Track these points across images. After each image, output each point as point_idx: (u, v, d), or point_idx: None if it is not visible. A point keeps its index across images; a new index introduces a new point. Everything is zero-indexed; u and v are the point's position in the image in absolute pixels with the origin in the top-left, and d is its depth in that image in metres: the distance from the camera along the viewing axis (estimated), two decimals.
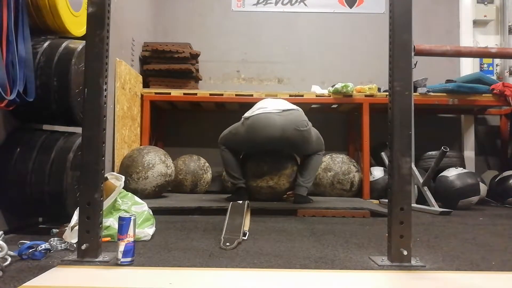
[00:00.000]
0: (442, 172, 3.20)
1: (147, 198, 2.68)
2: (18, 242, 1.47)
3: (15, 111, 1.75)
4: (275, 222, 2.28)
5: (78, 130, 1.70)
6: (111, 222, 1.71)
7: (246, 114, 2.74)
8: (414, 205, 2.96)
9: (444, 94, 3.59)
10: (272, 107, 2.68)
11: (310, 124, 2.71)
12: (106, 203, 1.68)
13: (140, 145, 3.52)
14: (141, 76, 3.69)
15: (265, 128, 2.60)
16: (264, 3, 4.41)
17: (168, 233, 1.92)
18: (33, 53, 1.78)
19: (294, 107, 2.74)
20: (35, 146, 1.82)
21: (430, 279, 1.25)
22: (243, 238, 1.75)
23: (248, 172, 2.85)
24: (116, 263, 1.34)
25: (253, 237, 1.83)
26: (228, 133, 2.86)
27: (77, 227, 1.42)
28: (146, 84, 3.76)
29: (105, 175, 1.64)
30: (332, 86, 3.61)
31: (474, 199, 3.07)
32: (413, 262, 1.38)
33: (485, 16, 4.34)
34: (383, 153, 3.65)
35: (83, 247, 1.37)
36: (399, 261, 1.37)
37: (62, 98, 1.83)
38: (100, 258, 1.38)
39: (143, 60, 3.79)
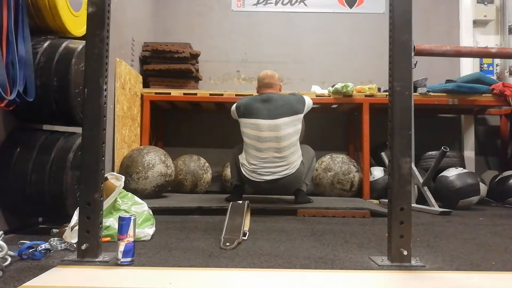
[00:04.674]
0: (442, 172, 3.20)
1: (147, 198, 2.69)
2: (18, 242, 1.47)
3: (15, 111, 1.75)
4: (275, 222, 2.28)
5: (78, 130, 1.70)
6: (111, 222, 1.71)
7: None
8: (414, 205, 2.96)
9: (444, 94, 3.58)
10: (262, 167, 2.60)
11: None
12: (106, 203, 1.68)
13: (140, 145, 3.52)
14: (141, 76, 3.69)
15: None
16: (264, 3, 4.41)
17: (168, 233, 1.92)
18: (33, 53, 1.78)
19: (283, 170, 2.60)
20: (35, 146, 1.82)
21: (430, 279, 1.25)
22: (243, 238, 1.75)
23: None
24: (116, 263, 1.34)
25: (253, 237, 1.83)
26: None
27: (77, 227, 1.42)
28: (146, 84, 3.76)
29: (105, 175, 1.64)
30: (332, 86, 3.61)
31: (474, 199, 3.07)
32: (413, 262, 1.38)
33: (485, 16, 4.33)
34: (383, 153, 3.65)
35: (83, 247, 1.37)
36: (399, 261, 1.37)
37: (62, 98, 1.83)
38: (100, 258, 1.38)
39: (143, 60, 3.79)
